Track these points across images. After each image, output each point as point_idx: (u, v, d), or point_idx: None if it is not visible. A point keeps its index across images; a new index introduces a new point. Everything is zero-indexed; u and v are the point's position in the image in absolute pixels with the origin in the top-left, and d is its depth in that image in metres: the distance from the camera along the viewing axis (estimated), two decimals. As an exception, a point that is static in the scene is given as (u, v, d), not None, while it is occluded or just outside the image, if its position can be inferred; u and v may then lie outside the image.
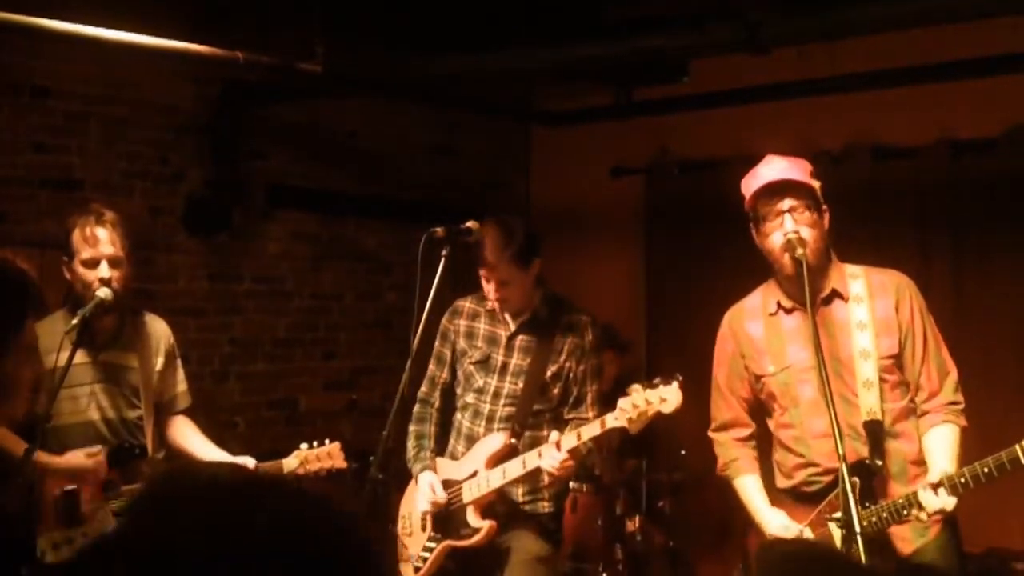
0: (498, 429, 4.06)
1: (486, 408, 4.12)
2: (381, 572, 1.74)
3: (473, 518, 4.03)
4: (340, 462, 4.20)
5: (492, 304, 4.11)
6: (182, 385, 4.31)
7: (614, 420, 3.64)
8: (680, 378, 3.56)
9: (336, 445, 4.21)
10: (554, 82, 6.67)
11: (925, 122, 5.82)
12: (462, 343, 4.22)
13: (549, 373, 4.06)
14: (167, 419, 4.22)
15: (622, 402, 3.62)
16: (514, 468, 3.92)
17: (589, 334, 4.10)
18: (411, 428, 4.29)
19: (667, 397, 3.53)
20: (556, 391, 4.08)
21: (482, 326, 4.20)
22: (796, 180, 3.40)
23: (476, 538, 4.01)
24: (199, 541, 1.68)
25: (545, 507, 4.12)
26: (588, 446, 3.81)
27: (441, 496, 4.07)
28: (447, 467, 4.17)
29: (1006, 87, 5.37)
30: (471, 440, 4.13)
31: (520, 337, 4.12)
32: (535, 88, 7.22)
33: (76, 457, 3.90)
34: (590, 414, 4.02)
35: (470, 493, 4.04)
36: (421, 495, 4.13)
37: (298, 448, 4.18)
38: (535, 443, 3.98)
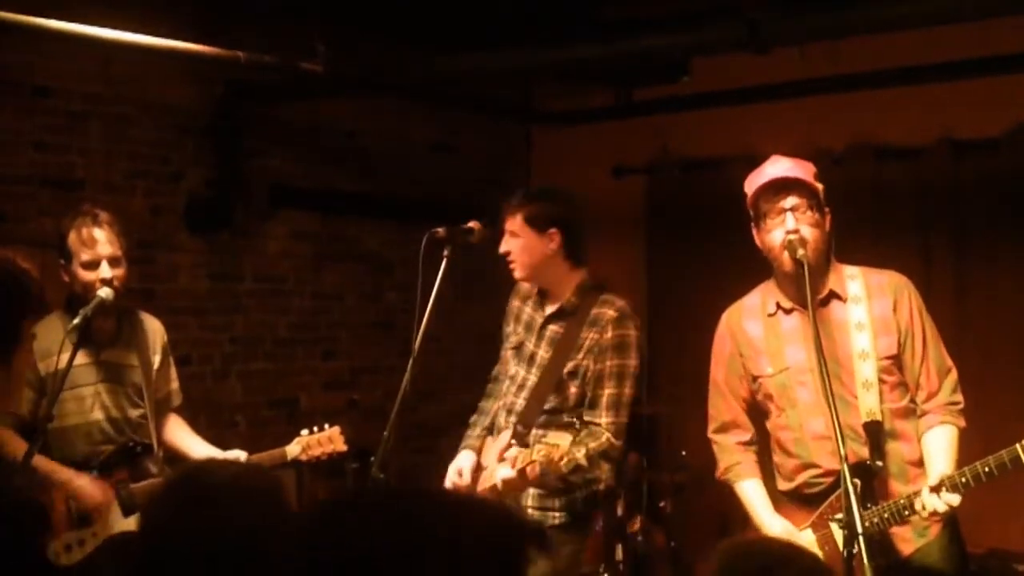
0: (512, 424, 3.94)
1: (510, 399, 4.00)
2: None
3: None
4: (340, 445, 4.24)
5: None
6: (175, 383, 4.34)
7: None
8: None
9: (336, 429, 4.25)
10: (555, 82, 6.68)
11: (927, 122, 5.81)
12: (510, 325, 4.14)
13: (566, 370, 3.85)
14: (161, 417, 4.24)
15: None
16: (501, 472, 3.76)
17: (610, 331, 3.82)
18: (479, 403, 4.24)
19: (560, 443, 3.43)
20: (573, 390, 3.85)
21: (527, 310, 4.09)
22: (800, 179, 3.40)
23: None
24: (221, 539, 1.71)
25: (555, 518, 3.86)
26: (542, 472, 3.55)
27: (463, 481, 3.94)
28: (489, 451, 4.05)
29: (1008, 87, 5.37)
30: (500, 430, 4.03)
31: (550, 327, 3.96)
32: (536, 88, 7.22)
33: (84, 481, 3.89)
34: (602, 420, 3.78)
35: (480, 485, 3.94)
36: (448, 476, 4.02)
37: (299, 435, 4.21)
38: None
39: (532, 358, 3.97)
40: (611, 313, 3.86)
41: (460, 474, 3.98)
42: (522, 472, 3.55)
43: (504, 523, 1.46)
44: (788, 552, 1.89)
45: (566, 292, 3.95)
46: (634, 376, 3.86)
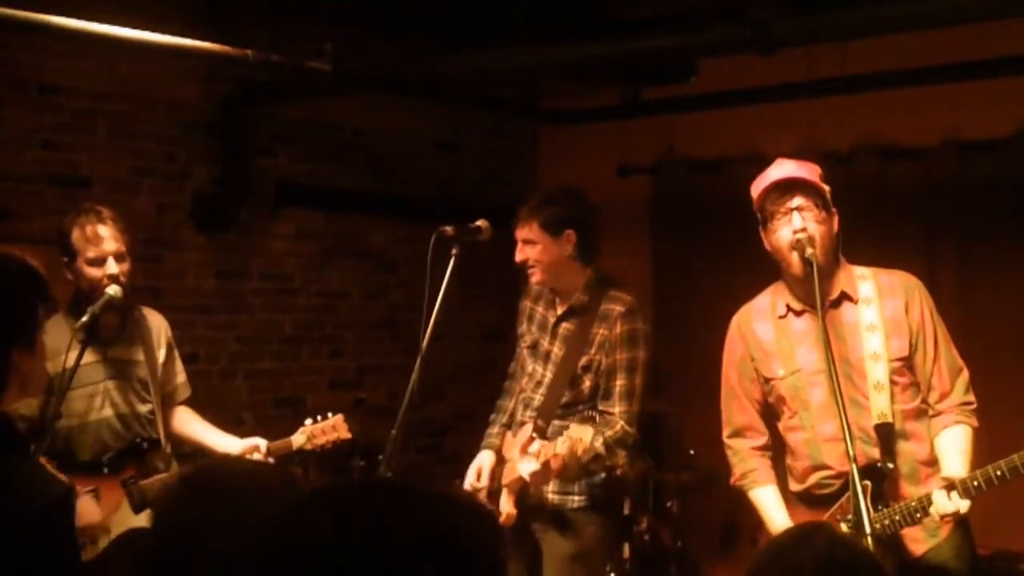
0: (529, 419, 4.09)
1: (528, 394, 4.15)
2: None
3: (505, 502, 4.03)
4: (345, 433, 4.28)
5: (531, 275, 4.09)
6: (182, 376, 4.34)
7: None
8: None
9: (339, 417, 4.29)
10: (562, 81, 6.68)
11: (932, 123, 5.81)
12: (524, 325, 4.27)
13: (580, 364, 4.01)
14: (169, 410, 4.25)
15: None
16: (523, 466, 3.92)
17: (619, 326, 3.97)
18: (496, 402, 4.39)
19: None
20: (587, 383, 4.02)
21: (539, 310, 4.22)
22: (805, 179, 3.39)
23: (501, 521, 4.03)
24: (226, 535, 1.72)
25: (575, 501, 4.04)
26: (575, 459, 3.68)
27: (481, 483, 4.13)
28: (510, 445, 4.19)
29: (1014, 88, 5.37)
30: (519, 424, 4.19)
31: (563, 324, 4.10)
32: (543, 86, 7.22)
33: (83, 500, 3.86)
34: (616, 409, 3.96)
35: (505, 478, 4.08)
36: (467, 476, 4.19)
37: (303, 425, 4.23)
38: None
39: (548, 356, 4.12)
40: (619, 308, 4.01)
41: (479, 475, 4.16)
42: (547, 464, 3.71)
43: (480, 525, 1.50)
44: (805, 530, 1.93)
45: (576, 290, 4.07)
46: (644, 366, 4.03)
